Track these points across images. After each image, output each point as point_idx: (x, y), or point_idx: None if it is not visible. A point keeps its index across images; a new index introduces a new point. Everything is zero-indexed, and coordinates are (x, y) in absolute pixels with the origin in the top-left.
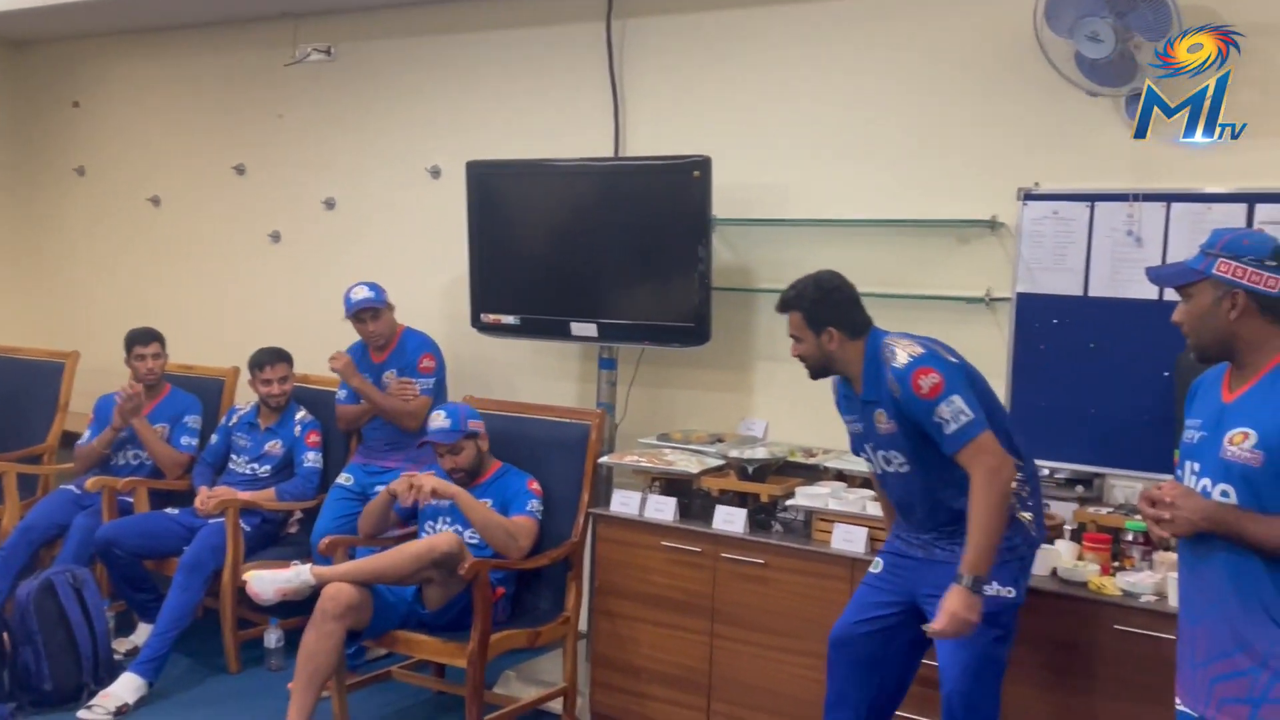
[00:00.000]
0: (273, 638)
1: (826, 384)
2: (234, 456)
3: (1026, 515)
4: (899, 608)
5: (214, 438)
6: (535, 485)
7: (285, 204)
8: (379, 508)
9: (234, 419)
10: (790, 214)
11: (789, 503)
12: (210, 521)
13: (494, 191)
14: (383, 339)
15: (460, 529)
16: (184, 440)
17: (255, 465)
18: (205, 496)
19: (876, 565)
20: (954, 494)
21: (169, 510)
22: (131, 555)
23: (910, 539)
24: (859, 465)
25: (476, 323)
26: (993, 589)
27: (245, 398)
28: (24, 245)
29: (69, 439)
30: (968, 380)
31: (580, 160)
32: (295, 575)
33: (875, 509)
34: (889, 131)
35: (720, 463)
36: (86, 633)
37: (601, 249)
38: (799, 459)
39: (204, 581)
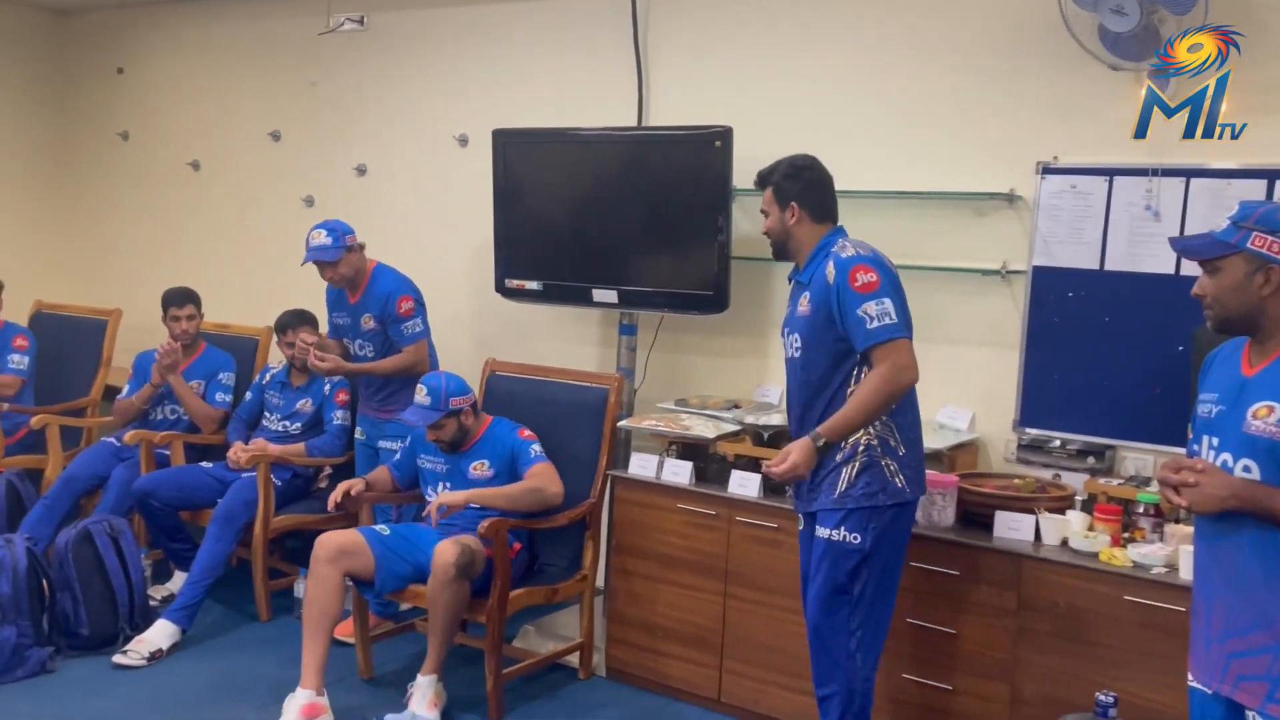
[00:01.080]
0: (302, 587)
1: None
2: (266, 414)
3: (890, 464)
4: None
5: (247, 395)
6: (526, 432)
7: (319, 170)
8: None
9: (267, 377)
10: None
11: None
12: (243, 475)
13: (519, 159)
14: (346, 281)
15: (453, 486)
16: (218, 397)
17: (287, 423)
18: (239, 451)
19: (801, 522)
20: (815, 394)
21: (203, 464)
22: (167, 506)
23: (797, 496)
24: None
25: (501, 288)
26: (840, 533)
27: (278, 357)
28: (70, 207)
29: (111, 393)
30: (904, 301)
31: (604, 129)
32: (411, 716)
33: None
34: (909, 104)
35: (736, 428)
36: (123, 580)
37: (623, 217)
38: None
39: (236, 533)
